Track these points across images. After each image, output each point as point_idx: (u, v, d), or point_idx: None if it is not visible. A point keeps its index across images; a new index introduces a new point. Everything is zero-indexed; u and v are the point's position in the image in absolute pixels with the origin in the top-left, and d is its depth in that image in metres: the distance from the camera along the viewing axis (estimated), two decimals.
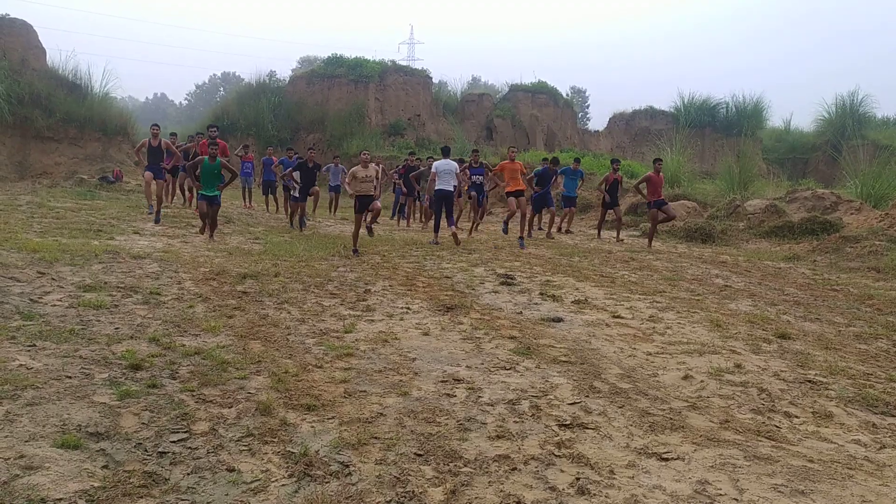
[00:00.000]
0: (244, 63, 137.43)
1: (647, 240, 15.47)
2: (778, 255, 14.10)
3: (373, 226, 12.79)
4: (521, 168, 14.36)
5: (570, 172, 17.34)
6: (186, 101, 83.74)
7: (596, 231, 17.28)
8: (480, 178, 15.81)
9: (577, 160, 18.57)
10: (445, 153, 14.19)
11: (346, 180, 12.20)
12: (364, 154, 12.67)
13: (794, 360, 6.25)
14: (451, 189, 13.40)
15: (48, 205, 15.23)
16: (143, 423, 4.09)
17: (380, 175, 12.10)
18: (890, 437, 4.58)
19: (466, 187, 16.34)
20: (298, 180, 15.07)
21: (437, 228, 13.72)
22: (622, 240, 16.16)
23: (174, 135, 19.15)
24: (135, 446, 3.79)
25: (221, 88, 74.99)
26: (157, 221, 13.35)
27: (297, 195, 15.32)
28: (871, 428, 4.72)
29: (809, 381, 5.64)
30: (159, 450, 3.78)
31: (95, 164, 25.09)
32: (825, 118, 38.80)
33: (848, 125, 35.90)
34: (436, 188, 13.43)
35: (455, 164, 13.74)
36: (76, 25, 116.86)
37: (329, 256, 10.94)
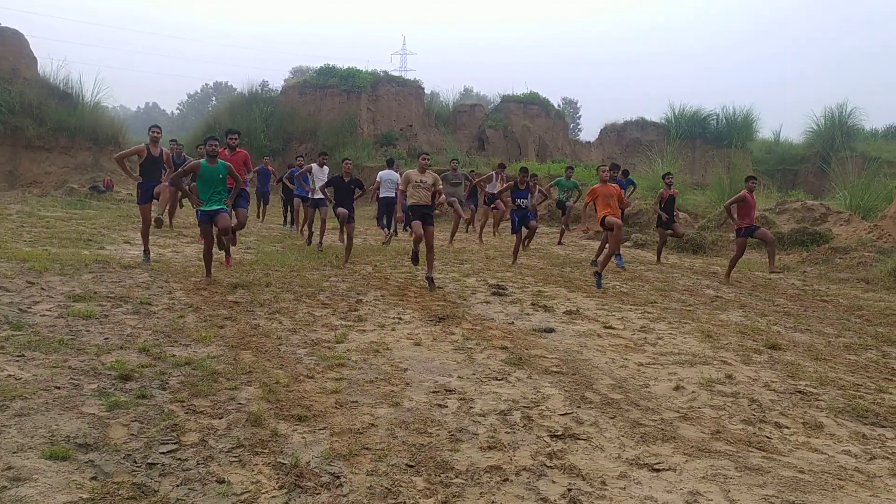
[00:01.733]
0: (236, 73, 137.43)
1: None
2: (768, 265, 14.15)
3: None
4: (619, 193, 11.15)
5: (621, 184, 15.23)
6: (178, 111, 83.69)
7: (655, 256, 14.53)
8: (525, 201, 13.07)
9: (626, 172, 16.67)
10: (390, 164, 16.40)
11: (400, 187, 10.14)
12: (424, 158, 10.26)
13: (785, 371, 6.28)
14: (394, 195, 14.87)
15: (38, 214, 15.18)
16: (132, 435, 4.06)
17: (438, 184, 10.10)
18: (880, 447, 4.60)
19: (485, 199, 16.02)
20: (332, 198, 12.11)
21: (386, 228, 15.58)
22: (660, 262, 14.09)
23: (174, 141, 17.08)
24: (124, 457, 3.77)
25: (213, 98, 74.93)
26: (146, 261, 9.79)
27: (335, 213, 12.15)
28: (861, 439, 4.74)
29: (800, 392, 5.66)
30: (148, 461, 3.75)
31: (86, 173, 25.03)
32: (814, 130, 39.08)
33: (837, 137, 36.17)
34: (380, 195, 15.51)
35: (397, 175, 15.09)
36: (68, 34, 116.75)
37: (321, 266, 10.91)
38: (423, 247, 9.93)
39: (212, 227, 8.85)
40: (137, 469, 3.66)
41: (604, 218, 10.78)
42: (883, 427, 4.99)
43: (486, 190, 17.63)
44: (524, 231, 12.90)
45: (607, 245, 11.83)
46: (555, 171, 26.17)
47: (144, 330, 6.36)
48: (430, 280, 9.66)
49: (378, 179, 15.74)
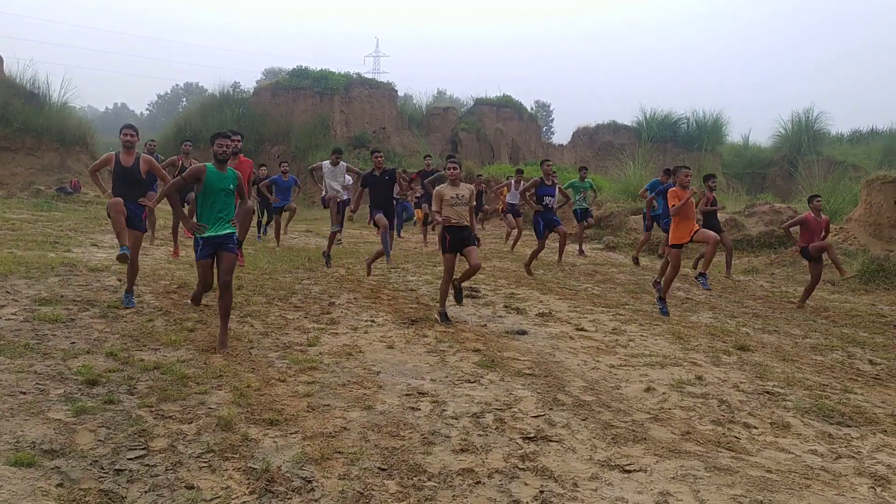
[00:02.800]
0: (207, 74, 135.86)
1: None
2: (737, 267, 14.34)
3: (463, 284, 8.39)
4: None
5: (661, 187, 13.54)
6: (148, 112, 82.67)
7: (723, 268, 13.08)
8: (552, 199, 11.61)
9: (668, 171, 14.26)
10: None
11: (434, 207, 8.25)
12: (452, 167, 8.20)
13: (753, 372, 6.37)
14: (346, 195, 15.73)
15: (3, 216, 14.88)
16: (99, 440, 4.00)
17: (474, 197, 8.25)
18: (845, 447, 4.68)
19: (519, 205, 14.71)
20: (356, 203, 10.74)
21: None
22: (730, 275, 12.83)
23: (153, 142, 15.64)
24: (91, 464, 3.71)
25: (184, 99, 74.17)
26: (128, 303, 7.39)
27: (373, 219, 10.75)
28: (828, 438, 4.82)
29: (768, 393, 5.75)
30: (116, 467, 3.70)
31: (53, 174, 24.59)
32: (782, 134, 39.67)
33: (803, 141, 36.74)
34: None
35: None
36: (34, 34, 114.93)
37: (293, 269, 10.84)
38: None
39: (213, 265, 6.39)
40: (105, 475, 3.60)
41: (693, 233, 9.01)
42: (848, 427, 5.08)
43: (507, 200, 16.20)
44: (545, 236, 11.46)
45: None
46: (528, 174, 26.13)
47: (112, 334, 6.26)
48: (457, 288, 8.20)
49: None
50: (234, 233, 6.46)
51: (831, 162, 30.69)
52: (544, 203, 11.52)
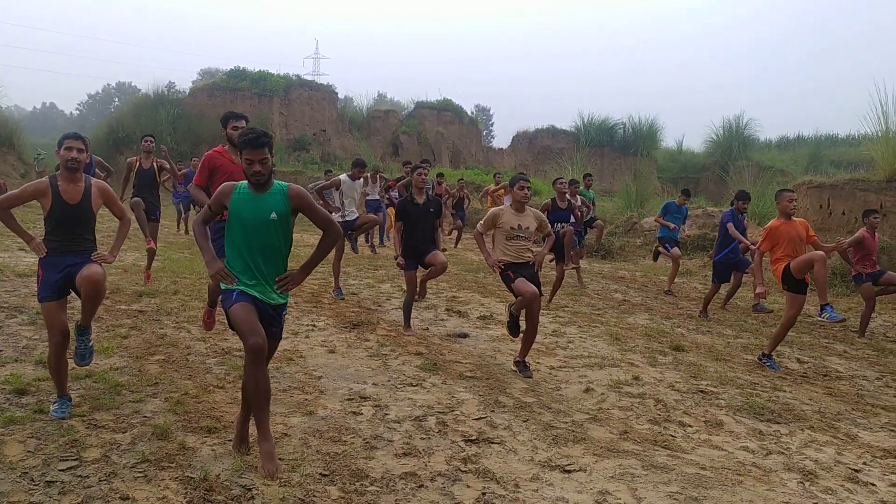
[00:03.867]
0: (141, 73, 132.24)
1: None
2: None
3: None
4: (812, 234, 7.22)
5: (675, 209, 12.07)
6: (78, 111, 79.98)
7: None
8: (565, 225, 9.87)
9: (687, 192, 12.63)
10: None
11: (479, 229, 6.60)
12: (523, 187, 6.31)
13: (688, 372, 6.54)
14: None
15: None
16: (29, 451, 3.86)
17: (546, 228, 6.65)
18: (775, 443, 4.85)
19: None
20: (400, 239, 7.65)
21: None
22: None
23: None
24: (20, 476, 3.58)
25: (116, 99, 71.99)
26: (63, 412, 4.45)
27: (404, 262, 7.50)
28: (758, 435, 4.99)
29: (702, 392, 5.92)
30: (47, 479, 3.57)
31: None
32: (714, 140, 40.91)
33: (734, 147, 37.92)
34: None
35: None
36: None
37: None
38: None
39: (265, 341, 3.93)
40: (35, 487, 3.48)
41: (787, 268, 6.91)
42: (778, 423, 5.27)
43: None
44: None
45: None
46: (469, 177, 26.22)
47: (41, 341, 6.05)
48: (523, 365, 6.26)
49: None
50: (286, 303, 4.38)
51: (760, 167, 31.72)
52: (556, 230, 9.55)
